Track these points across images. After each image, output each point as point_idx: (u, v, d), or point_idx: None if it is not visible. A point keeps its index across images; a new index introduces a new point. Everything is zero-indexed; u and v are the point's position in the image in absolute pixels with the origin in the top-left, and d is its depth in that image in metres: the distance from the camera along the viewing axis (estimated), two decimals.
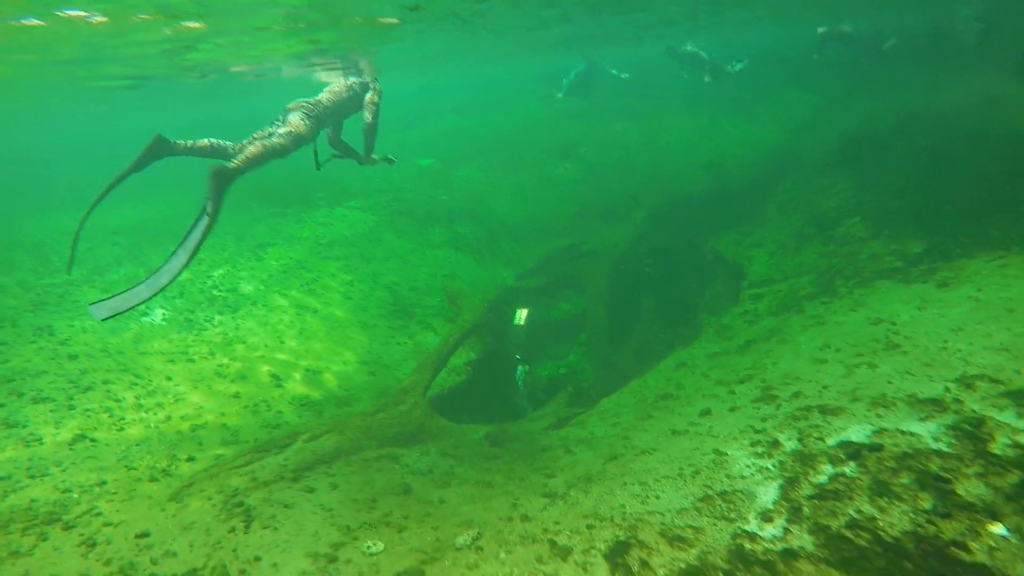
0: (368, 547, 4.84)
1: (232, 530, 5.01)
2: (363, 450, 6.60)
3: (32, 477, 5.85)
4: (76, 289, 10.53)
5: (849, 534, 3.91)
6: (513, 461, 6.90)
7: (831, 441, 5.19)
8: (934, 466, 4.44)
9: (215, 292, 10.81)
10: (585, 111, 23.91)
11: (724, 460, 5.39)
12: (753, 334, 9.12)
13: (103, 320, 5.21)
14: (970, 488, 4.14)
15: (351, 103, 7.22)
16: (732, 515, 4.46)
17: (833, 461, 4.85)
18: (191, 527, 5.04)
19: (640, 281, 14.90)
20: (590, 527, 4.66)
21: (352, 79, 7.36)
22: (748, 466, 5.18)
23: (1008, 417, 4.89)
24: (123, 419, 7.14)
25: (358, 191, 16.70)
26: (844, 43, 14.03)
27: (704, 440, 5.97)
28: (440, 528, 5.11)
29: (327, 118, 6.81)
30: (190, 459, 6.45)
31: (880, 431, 5.12)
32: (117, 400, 7.49)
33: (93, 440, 6.62)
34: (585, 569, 4.08)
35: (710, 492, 4.86)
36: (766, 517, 4.33)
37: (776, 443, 5.44)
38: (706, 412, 6.69)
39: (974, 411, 5.09)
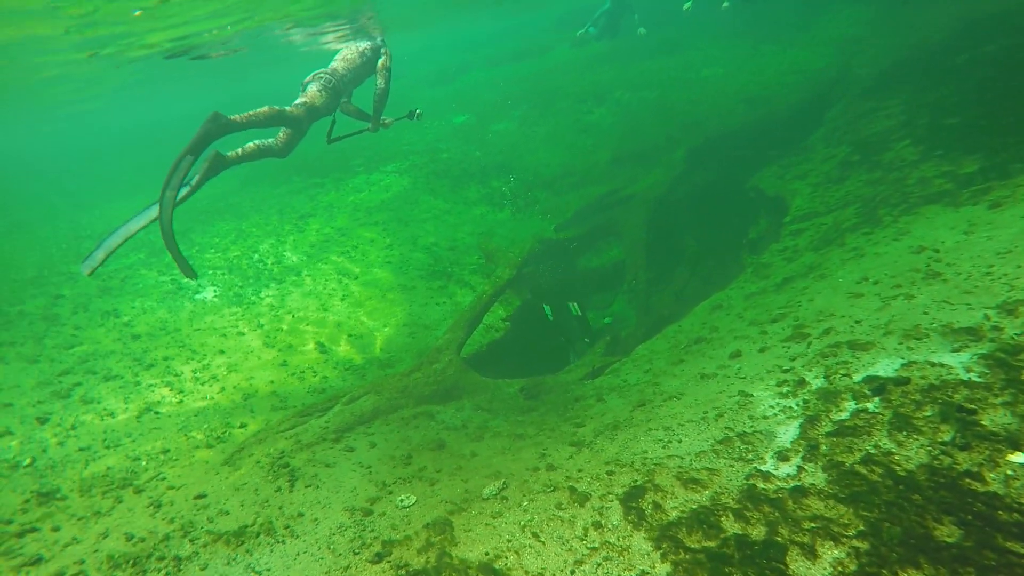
0: (401, 500, 5.14)
1: (279, 489, 5.41)
2: (400, 409, 6.91)
3: (107, 447, 6.44)
4: (136, 272, 11.23)
5: (863, 469, 3.90)
6: (546, 412, 7.08)
7: (857, 377, 5.09)
8: (960, 397, 4.32)
9: (261, 265, 11.30)
10: (620, 50, 23.09)
11: (749, 401, 5.39)
12: (791, 271, 8.88)
13: (89, 275, 5.55)
14: (996, 418, 4.02)
15: (364, 69, 7.24)
16: (749, 456, 4.49)
17: (857, 397, 4.77)
18: (242, 488, 5.46)
19: (681, 223, 14.63)
20: (610, 473, 4.79)
21: (363, 44, 7.35)
22: (772, 406, 5.16)
23: None
24: (182, 392, 7.70)
25: (394, 154, 16.86)
26: None
27: (731, 382, 5.96)
28: (470, 480, 5.35)
29: (344, 87, 6.86)
30: (242, 426, 6.92)
31: (909, 364, 4.99)
32: (176, 375, 8.07)
33: (157, 413, 7.19)
34: (601, 513, 4.22)
35: (731, 434, 4.89)
36: (782, 456, 4.34)
37: (802, 381, 5.38)
38: (736, 354, 6.64)
39: (1013, 338, 4.88)
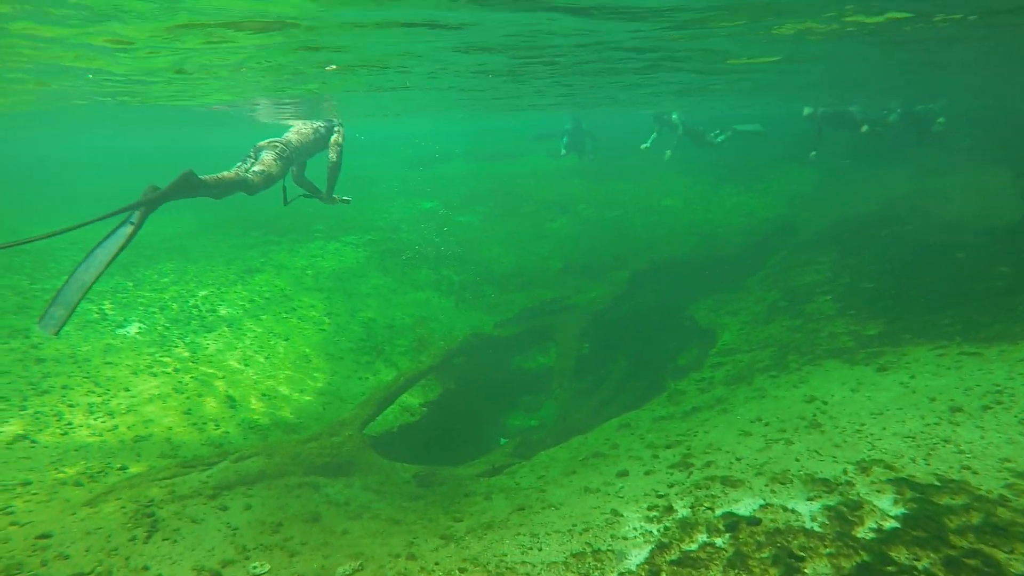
0: (255, 567, 5.05)
1: (133, 539, 5.25)
2: (287, 475, 6.83)
3: None
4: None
5: None
6: (433, 502, 7.07)
7: (719, 511, 5.32)
8: (796, 543, 4.56)
9: (194, 311, 11.27)
10: (592, 168, 24.59)
11: (617, 520, 5.53)
12: (701, 401, 9.26)
13: (56, 335, 5.57)
14: (817, 567, 4.26)
15: (316, 144, 7.70)
16: (595, 572, 4.60)
17: (711, 530, 4.98)
18: (95, 532, 5.29)
19: (617, 340, 15.14)
20: (462, 570, 4.83)
21: (318, 123, 7.87)
22: (635, 528, 5.32)
23: (884, 503, 5.01)
24: (70, 424, 7.49)
25: (356, 227, 17.30)
26: (840, 125, 14.33)
27: (609, 500, 6.11)
28: (330, 557, 5.30)
29: (295, 157, 7.28)
30: (122, 468, 6.74)
31: (766, 506, 5.25)
32: (70, 405, 7.86)
33: (34, 442, 6.96)
34: None
35: (588, 549, 5.00)
36: None
37: (670, 508, 5.58)
38: (623, 473, 6.83)
39: (858, 495, 5.21)
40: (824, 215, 18.54)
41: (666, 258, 17.52)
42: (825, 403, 7.49)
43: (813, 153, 15.18)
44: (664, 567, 4.52)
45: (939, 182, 17.80)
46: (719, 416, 8.20)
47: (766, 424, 7.31)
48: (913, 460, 5.69)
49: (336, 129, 7.89)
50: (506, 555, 5.09)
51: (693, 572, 4.39)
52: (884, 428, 6.45)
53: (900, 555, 4.29)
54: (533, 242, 18.15)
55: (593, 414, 11.89)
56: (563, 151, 19.32)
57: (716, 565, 4.44)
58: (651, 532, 5.19)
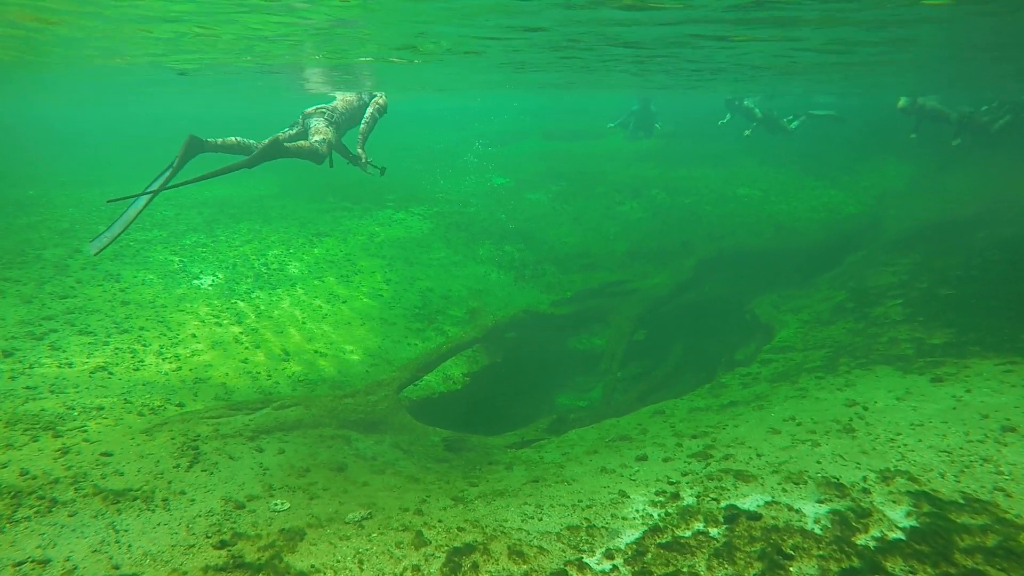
0: (276, 504, 5.51)
1: (177, 466, 5.85)
2: (322, 427, 7.32)
3: (52, 392, 7.03)
4: (152, 247, 12.17)
5: None
6: (456, 467, 7.38)
7: (723, 503, 5.29)
8: (790, 542, 4.50)
9: (263, 269, 12.07)
10: (670, 152, 23.98)
11: (622, 501, 5.61)
12: (741, 396, 9.07)
13: (95, 255, 6.36)
14: (804, 567, 4.20)
15: (359, 112, 7.97)
16: (584, 546, 4.73)
17: (709, 520, 4.98)
18: (147, 456, 5.93)
19: (674, 328, 14.90)
20: (460, 529, 5.07)
21: (362, 93, 8.15)
22: (637, 510, 5.38)
23: (896, 514, 4.83)
24: (142, 361, 8.31)
25: (426, 199, 17.78)
26: (930, 119, 13.30)
27: (621, 481, 6.18)
28: (345, 504, 5.69)
29: (342, 124, 7.61)
30: (180, 404, 7.44)
31: (771, 503, 5.17)
32: (144, 345, 8.71)
33: (110, 373, 7.80)
34: (426, 559, 4.51)
35: (584, 524, 5.12)
36: (610, 554, 4.57)
37: (676, 496, 5.60)
38: (643, 458, 6.86)
39: (871, 503, 5.04)
40: (915, 214, 17.32)
41: (736, 248, 16.96)
42: (865, 409, 7.18)
43: (913, 135, 14.14)
44: (651, 548, 4.58)
45: None
46: (754, 412, 8.02)
47: (798, 424, 7.11)
48: (942, 475, 5.42)
49: (377, 97, 8.12)
50: (506, 521, 5.29)
51: (678, 557, 4.43)
52: (920, 440, 6.14)
53: (895, 566, 4.16)
54: (600, 224, 18.03)
55: (638, 399, 11.84)
56: (628, 131, 19.24)
57: (703, 553, 4.46)
58: (651, 515, 5.23)
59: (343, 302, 11.66)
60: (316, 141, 7.15)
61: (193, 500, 5.33)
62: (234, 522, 5.05)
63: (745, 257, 16.83)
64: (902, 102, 12.89)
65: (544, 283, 14.98)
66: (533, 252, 15.94)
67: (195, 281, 11.14)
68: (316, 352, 9.97)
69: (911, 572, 4.10)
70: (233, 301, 10.76)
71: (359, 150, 7.65)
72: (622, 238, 17.39)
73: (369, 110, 7.88)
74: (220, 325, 9.91)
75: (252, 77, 17.70)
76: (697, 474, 6.08)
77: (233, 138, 7.25)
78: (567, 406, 12.79)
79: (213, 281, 11.30)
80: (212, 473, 5.86)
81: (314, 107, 7.54)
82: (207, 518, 5.05)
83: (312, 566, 4.41)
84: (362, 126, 7.77)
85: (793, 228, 18.29)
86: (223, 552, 4.51)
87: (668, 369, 13.12)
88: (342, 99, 7.87)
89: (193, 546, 4.57)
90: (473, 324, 10.92)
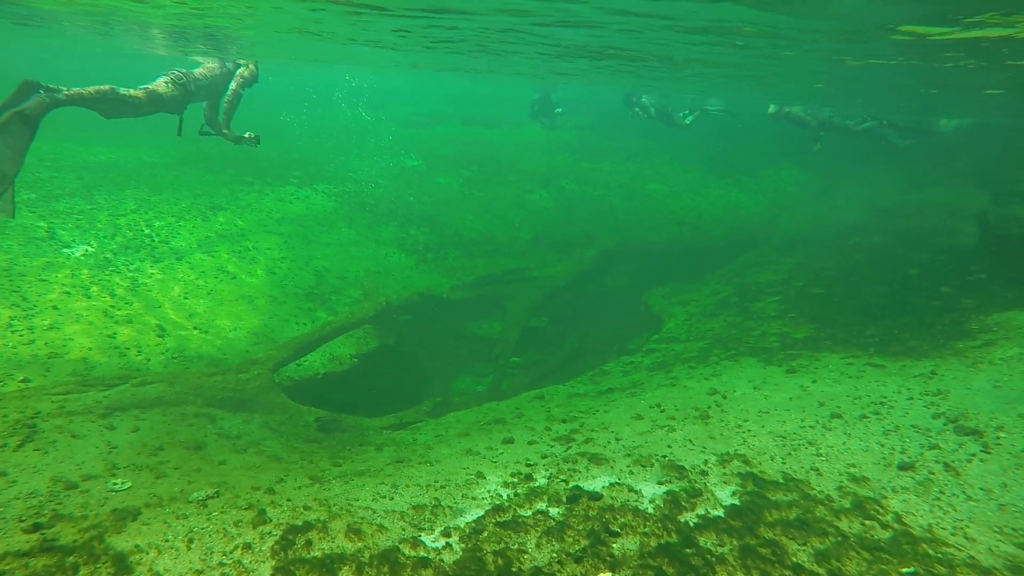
0: (115, 484, 5.27)
1: (3, 446, 5.48)
2: (185, 404, 7.04)
3: None
4: (18, 211, 11.26)
5: (489, 559, 4.23)
6: (324, 447, 7.29)
7: (571, 484, 5.49)
8: (620, 521, 4.73)
9: (146, 241, 11.43)
10: (586, 145, 24.43)
11: (477, 482, 5.72)
12: (618, 383, 9.41)
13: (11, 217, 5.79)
14: (626, 543, 4.43)
15: (224, 81, 7.64)
16: (425, 524, 4.80)
17: (552, 500, 5.15)
18: None
19: (571, 316, 15.27)
20: (307, 507, 5.03)
21: (227, 61, 7.82)
22: (489, 491, 5.50)
23: (724, 494, 5.17)
24: None
25: (333, 177, 17.33)
26: (795, 125, 14.22)
27: (482, 463, 6.30)
28: (193, 483, 5.51)
29: (196, 91, 7.23)
30: (25, 380, 6.96)
31: (615, 484, 5.41)
32: None
33: None
34: (261, 537, 4.44)
35: (433, 503, 5.19)
36: (447, 532, 4.66)
37: (530, 477, 5.75)
38: (509, 440, 7.01)
39: (704, 484, 5.37)
40: (805, 218, 18.47)
41: (639, 242, 17.54)
42: (724, 397, 7.63)
43: (818, 147, 15.02)
44: (489, 527, 4.70)
45: (920, 197, 17.66)
46: (626, 399, 8.35)
47: (661, 410, 7.46)
48: (772, 458, 5.85)
49: (246, 65, 7.82)
50: (357, 500, 5.29)
51: (512, 534, 4.57)
52: (763, 426, 6.60)
53: (707, 540, 4.46)
54: (508, 211, 18.16)
55: (529, 385, 12.08)
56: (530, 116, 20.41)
57: (536, 531, 4.62)
58: (500, 495, 5.37)
59: (232, 278, 11.23)
60: (141, 87, 6.66)
61: (14, 481, 5.02)
62: (59, 503, 4.79)
63: (647, 250, 17.44)
64: (772, 108, 13.72)
65: (446, 267, 14.96)
66: (438, 236, 15.88)
67: (65, 250, 10.41)
68: (195, 329, 9.57)
69: (720, 545, 4.41)
70: (108, 273, 10.14)
71: (224, 129, 7.37)
72: (528, 226, 17.59)
73: (233, 85, 7.55)
74: (88, 297, 9.33)
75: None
76: (556, 456, 6.28)
77: (94, 87, 6.63)
78: (463, 390, 12.89)
79: (86, 251, 10.59)
80: (47, 452, 5.54)
81: (170, 70, 7.10)
82: (26, 500, 4.77)
83: (136, 546, 4.26)
84: (225, 104, 7.48)
85: (695, 225, 19.08)
86: (34, 536, 4.27)
87: (562, 357, 13.43)
88: (204, 66, 7.49)
89: None
90: (362, 305, 10.79)
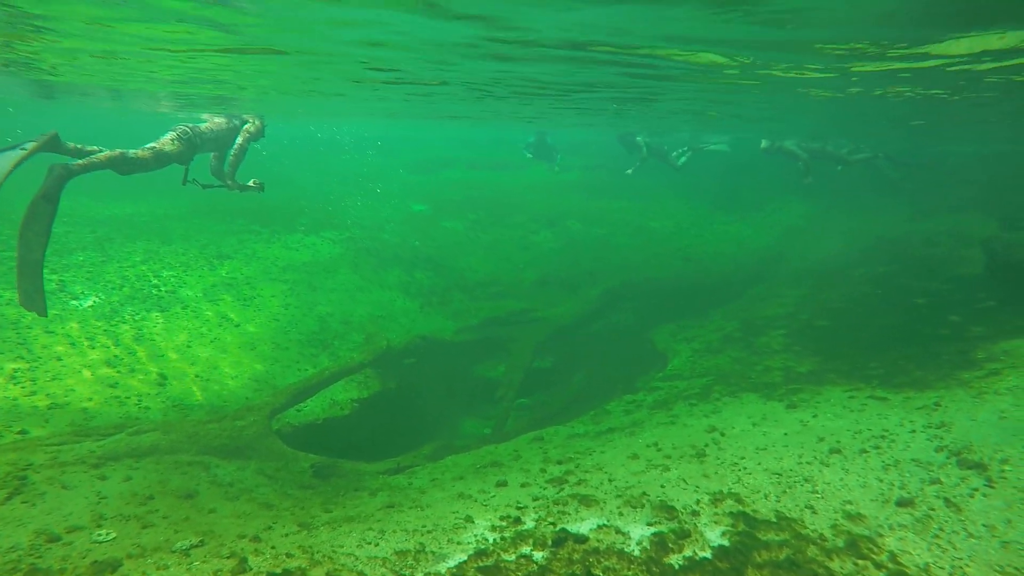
0: (100, 535, 5.27)
1: None
2: (180, 452, 7.07)
3: None
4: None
5: None
6: (318, 493, 7.24)
7: (558, 527, 5.39)
8: (604, 564, 4.62)
9: (153, 291, 11.67)
10: (591, 184, 24.68)
11: (465, 526, 5.63)
12: (620, 423, 9.29)
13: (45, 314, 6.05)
14: None
15: (230, 136, 7.95)
16: (405, 571, 4.72)
17: (537, 544, 5.05)
18: None
19: (580, 356, 15.17)
20: (289, 555, 4.98)
21: (234, 118, 8.14)
22: (476, 535, 5.41)
23: (713, 534, 5.04)
24: None
25: (340, 223, 17.65)
26: (787, 158, 14.30)
27: (473, 507, 6.21)
28: (180, 532, 5.49)
29: (202, 144, 7.51)
30: (22, 432, 7.05)
31: (603, 527, 5.30)
32: None
33: None
34: None
35: (416, 549, 5.12)
36: None
37: (518, 520, 5.66)
38: (503, 483, 6.91)
39: (694, 525, 5.24)
40: (811, 250, 18.35)
41: (645, 279, 17.49)
42: (723, 434, 7.49)
43: (808, 179, 15.06)
44: (470, 572, 4.61)
45: (928, 226, 17.50)
46: (624, 438, 8.23)
47: (658, 449, 7.34)
48: (766, 496, 5.70)
49: (251, 121, 8.13)
50: (342, 546, 5.23)
51: None
52: (760, 463, 6.45)
53: None
54: (513, 253, 18.29)
55: (531, 426, 11.95)
56: (530, 155, 21.10)
57: (517, 575, 4.52)
58: (487, 539, 5.27)
59: (235, 326, 11.37)
60: (145, 147, 6.90)
61: None
62: (38, 557, 4.80)
63: (654, 287, 17.38)
64: (764, 144, 13.84)
65: (451, 310, 15.02)
66: (443, 279, 16.00)
67: (73, 302, 10.65)
68: (197, 376, 9.66)
69: None
70: (114, 323, 10.34)
71: (228, 180, 7.64)
72: (533, 267, 17.68)
73: (239, 140, 7.86)
74: (93, 348, 9.49)
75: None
76: (547, 499, 6.18)
77: (105, 153, 6.93)
78: (469, 433, 12.78)
79: (95, 302, 10.83)
80: (34, 505, 5.57)
81: (178, 124, 7.41)
82: (5, 555, 4.78)
83: None
84: (231, 157, 7.78)
85: (701, 261, 19.02)
86: None
87: (567, 397, 13.33)
88: (211, 121, 7.81)
89: None
90: (363, 349, 10.84)
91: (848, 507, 5.27)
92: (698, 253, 19.56)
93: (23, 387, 8.04)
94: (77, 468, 6.31)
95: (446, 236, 18.49)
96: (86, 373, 8.82)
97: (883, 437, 6.59)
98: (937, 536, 4.82)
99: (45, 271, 11.72)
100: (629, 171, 16.55)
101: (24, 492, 5.66)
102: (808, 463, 6.26)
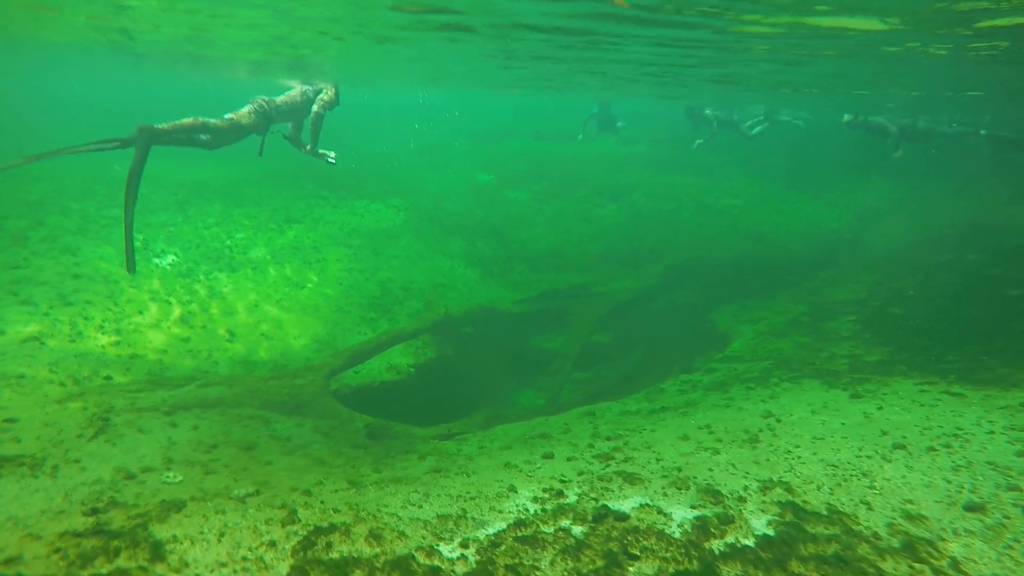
0: (168, 477, 5.65)
1: (80, 436, 6.00)
2: (243, 406, 7.46)
3: None
4: (119, 223, 12.33)
5: (501, 572, 4.22)
6: (370, 453, 7.49)
7: (600, 503, 5.38)
8: (642, 544, 4.59)
9: (225, 251, 12.24)
10: (659, 158, 23.98)
11: (508, 495, 5.71)
12: (674, 402, 9.14)
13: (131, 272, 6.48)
14: (643, 567, 4.29)
15: (305, 106, 8.13)
16: (445, 534, 4.83)
17: (577, 518, 5.07)
18: (51, 425, 6.08)
19: (640, 332, 14.95)
20: (336, 510, 5.19)
21: (307, 87, 8.31)
22: (518, 504, 5.48)
23: (759, 523, 4.91)
24: (80, 334, 8.49)
25: (405, 190, 17.90)
26: (875, 133, 13.34)
27: (517, 476, 6.28)
28: (238, 481, 5.82)
29: (277, 116, 7.75)
30: (107, 378, 7.60)
31: (645, 506, 5.26)
32: (86, 318, 8.89)
33: (42, 343, 7.97)
34: (286, 536, 4.62)
35: (458, 514, 5.23)
36: (465, 543, 4.67)
37: (560, 493, 5.69)
38: (549, 455, 6.95)
39: (740, 511, 5.12)
40: (891, 234, 17.26)
41: (709, 258, 16.97)
42: (779, 421, 7.25)
43: (898, 153, 14.11)
44: (507, 540, 4.68)
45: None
46: (677, 418, 8.09)
47: (710, 432, 7.19)
48: (819, 488, 5.49)
49: (325, 90, 8.27)
50: (387, 506, 5.40)
51: (528, 550, 4.52)
52: (815, 453, 6.21)
53: (731, 570, 4.24)
54: (577, 225, 18.11)
55: (585, 400, 11.94)
56: (583, 134, 20.71)
57: (553, 548, 4.55)
58: (527, 510, 5.33)
59: (300, 288, 11.81)
60: (223, 117, 7.17)
61: (84, 469, 5.47)
62: (117, 491, 5.19)
63: (718, 266, 16.84)
64: (846, 117, 13.00)
65: (511, 281, 15.08)
66: (505, 250, 16.04)
67: (155, 259, 11.33)
68: (262, 335, 10.12)
69: None
70: (189, 280, 10.93)
71: (309, 147, 7.90)
72: (596, 241, 17.46)
73: (315, 108, 8.06)
74: (171, 303, 10.09)
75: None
76: (591, 474, 6.17)
77: (189, 119, 7.21)
78: (524, 404, 12.90)
79: (173, 260, 11.48)
80: (115, 444, 6.01)
81: (258, 96, 7.66)
82: (91, 487, 5.19)
83: (173, 536, 4.55)
84: (310, 127, 8.01)
85: (770, 240, 18.26)
86: (90, 519, 4.64)
87: (623, 373, 13.21)
88: (286, 94, 8.02)
89: (62, 512, 4.72)
90: (422, 316, 11.05)
91: (909, 506, 5.01)
92: (767, 233, 18.77)
93: (110, 337, 8.65)
94: (152, 414, 6.76)
95: (509, 206, 18.48)
96: (164, 326, 9.39)
97: (956, 436, 6.20)
98: (1011, 547, 4.51)
99: (135, 232, 12.49)
100: (697, 143, 15.99)
101: (107, 432, 6.12)
102: (868, 457, 5.97)
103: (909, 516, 4.87)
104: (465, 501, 5.54)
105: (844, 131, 14.02)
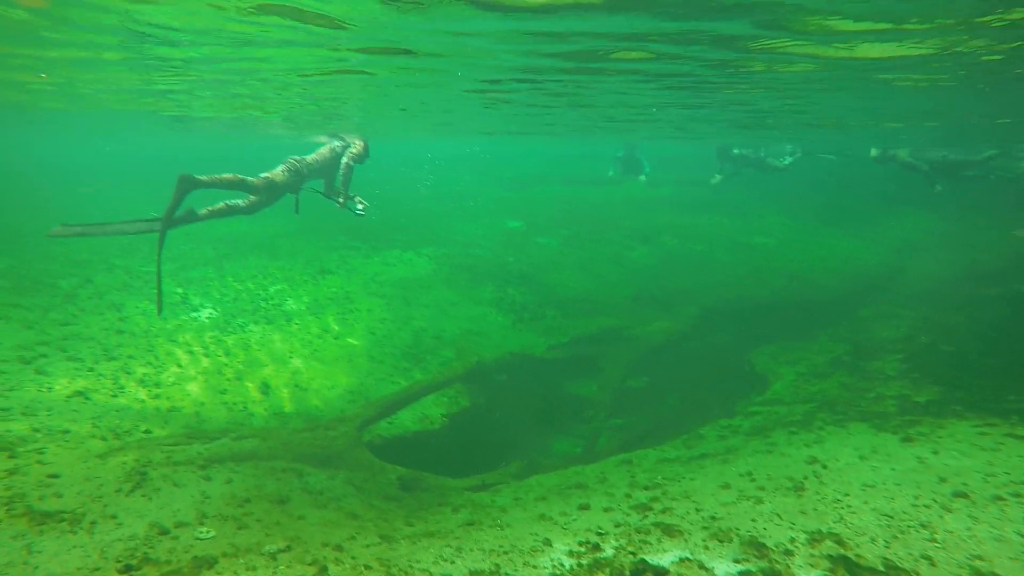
0: (201, 532, 5.63)
1: (119, 491, 6.06)
2: (276, 459, 7.46)
3: (23, 414, 7.41)
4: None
5: None
6: (402, 506, 7.38)
7: (638, 557, 5.18)
8: None
9: (262, 304, 12.50)
10: (687, 199, 23.98)
11: (543, 549, 5.54)
12: (713, 448, 8.85)
13: (49, 235, 6.84)
14: None
15: (334, 162, 8.42)
16: None
17: (614, 573, 4.88)
18: (92, 480, 6.16)
19: (674, 376, 14.64)
20: (367, 567, 5.10)
21: (336, 143, 8.60)
22: (552, 559, 5.31)
23: None
24: (122, 388, 8.68)
25: (435, 239, 18.18)
26: (904, 169, 13.08)
27: (553, 529, 6.11)
28: (270, 536, 5.77)
29: (309, 174, 8.03)
30: (147, 431, 7.72)
31: (685, 560, 5.04)
32: (128, 372, 9.10)
33: (87, 398, 8.17)
34: None
35: (491, 570, 5.08)
36: None
37: (597, 547, 5.50)
38: (585, 506, 6.76)
39: (787, 566, 4.86)
40: (934, 268, 16.76)
41: (744, 298, 16.69)
42: (824, 467, 6.94)
43: (938, 188, 13.79)
44: None
45: None
46: (717, 465, 7.83)
47: (752, 480, 6.91)
48: (873, 540, 5.18)
49: (353, 145, 8.55)
50: (419, 561, 5.29)
51: None
52: (866, 502, 5.89)
53: None
54: (608, 268, 18.05)
55: (621, 447, 11.65)
56: (612, 172, 21.10)
57: None
58: (563, 565, 5.16)
59: (334, 339, 11.94)
60: (260, 175, 7.49)
61: (120, 524, 5.50)
62: (151, 547, 5.19)
63: (754, 306, 16.53)
64: (874, 152, 12.80)
65: (543, 327, 14.99)
66: (536, 295, 16.02)
67: (193, 313, 11.63)
68: (297, 386, 10.20)
69: None
70: (226, 334, 11.16)
71: (341, 198, 8.17)
72: (628, 284, 17.33)
73: (344, 160, 8.33)
74: (208, 356, 10.28)
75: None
76: (629, 526, 5.96)
77: (228, 174, 7.56)
78: (560, 452, 12.65)
79: (211, 314, 11.76)
80: (151, 499, 6.04)
81: (291, 156, 7.99)
82: (126, 542, 5.21)
83: None
84: (340, 178, 8.29)
85: (806, 278, 17.91)
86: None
87: (659, 418, 12.88)
88: (317, 152, 8.35)
89: (97, 569, 4.73)
90: (454, 365, 11.02)
91: (978, 563, 4.68)
92: (803, 270, 18.43)
93: (150, 391, 8.83)
94: (187, 468, 6.80)
95: (540, 252, 18.55)
96: (200, 380, 9.55)
97: None
98: None
99: (172, 283, 12.90)
100: (716, 179, 15.98)
101: (144, 487, 6.17)
102: (926, 506, 5.64)
103: (979, 574, 4.54)
104: (499, 556, 5.39)
105: (876, 164, 13.82)
